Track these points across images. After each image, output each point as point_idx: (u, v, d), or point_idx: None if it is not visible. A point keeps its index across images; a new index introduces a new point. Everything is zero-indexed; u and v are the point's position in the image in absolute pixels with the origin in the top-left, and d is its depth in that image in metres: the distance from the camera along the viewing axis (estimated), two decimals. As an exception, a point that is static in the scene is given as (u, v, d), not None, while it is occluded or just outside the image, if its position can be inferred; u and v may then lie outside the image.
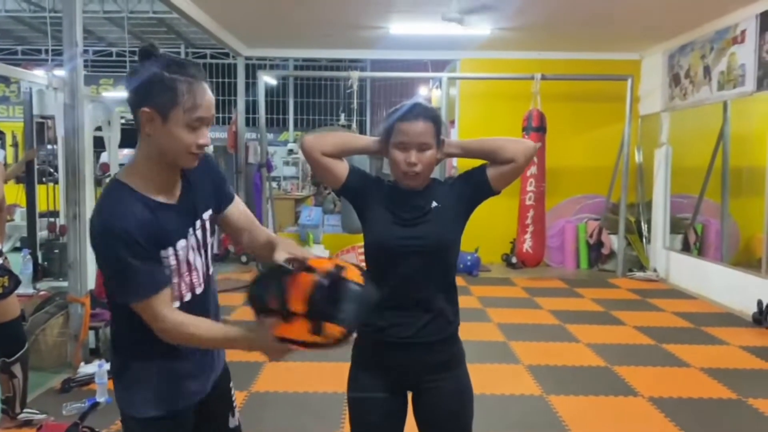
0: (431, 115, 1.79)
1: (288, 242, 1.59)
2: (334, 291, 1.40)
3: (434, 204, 1.82)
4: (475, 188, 1.87)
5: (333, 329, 1.38)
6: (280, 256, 1.50)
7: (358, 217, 1.91)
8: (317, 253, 8.51)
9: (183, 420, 1.63)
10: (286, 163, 12.97)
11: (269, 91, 10.79)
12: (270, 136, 11.98)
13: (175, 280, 1.54)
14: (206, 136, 1.51)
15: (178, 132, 1.46)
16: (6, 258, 3.46)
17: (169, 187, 1.56)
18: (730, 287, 6.37)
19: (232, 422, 1.81)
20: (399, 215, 1.82)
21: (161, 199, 1.53)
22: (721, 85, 6.58)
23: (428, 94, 12.15)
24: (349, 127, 9.39)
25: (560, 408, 3.70)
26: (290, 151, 13.11)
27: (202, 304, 1.63)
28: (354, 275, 1.46)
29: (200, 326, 1.51)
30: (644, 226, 8.24)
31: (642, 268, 8.01)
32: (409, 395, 1.91)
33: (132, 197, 1.48)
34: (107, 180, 7.30)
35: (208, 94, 1.49)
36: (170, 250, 1.52)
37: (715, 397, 3.91)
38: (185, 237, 1.56)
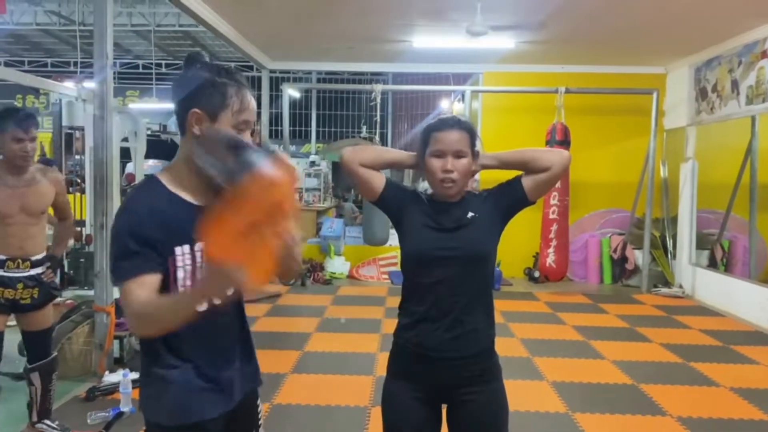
0: (466, 126, 1.86)
1: None
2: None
3: (471, 214, 1.85)
4: (510, 199, 1.89)
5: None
6: None
7: (395, 228, 1.94)
8: (338, 264, 8.52)
9: (205, 429, 1.60)
10: (308, 175, 12.99)
11: (292, 104, 10.88)
12: (292, 148, 12.04)
13: (189, 282, 1.53)
14: (249, 140, 1.56)
15: None
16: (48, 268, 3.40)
17: (202, 190, 1.56)
18: (758, 305, 6.23)
19: None
20: (436, 225, 1.85)
21: (189, 198, 1.56)
22: (749, 100, 6.49)
23: (450, 107, 12.14)
24: (371, 139, 9.42)
25: (586, 426, 3.64)
26: (312, 163, 13.14)
27: (226, 311, 1.60)
28: None
29: (160, 299, 1.45)
30: (669, 242, 8.12)
31: (667, 284, 7.89)
32: (444, 408, 1.91)
33: (159, 190, 1.54)
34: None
35: (252, 100, 1.57)
36: (186, 248, 1.51)
37: (746, 418, 3.82)
38: None
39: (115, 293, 4.69)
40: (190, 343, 1.57)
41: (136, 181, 6.83)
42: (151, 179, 1.58)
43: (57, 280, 6.32)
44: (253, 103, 1.58)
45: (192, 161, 1.53)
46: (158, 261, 1.49)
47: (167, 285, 1.51)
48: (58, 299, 5.95)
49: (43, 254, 3.35)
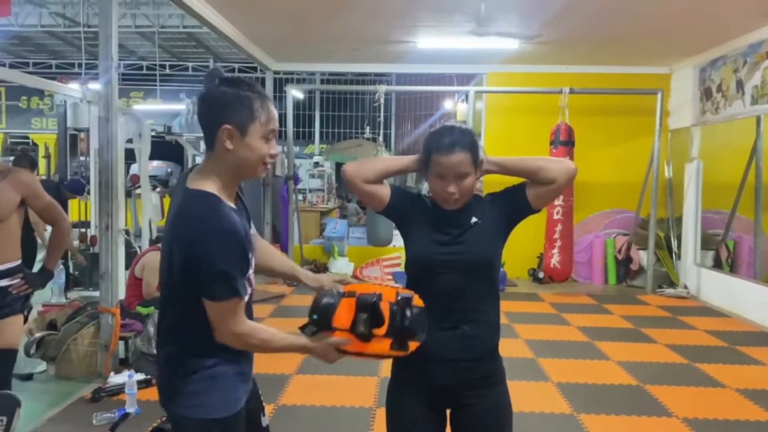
0: (467, 143, 1.79)
1: (310, 274, 1.87)
2: (406, 313, 1.65)
3: (474, 219, 1.84)
4: (515, 206, 1.88)
5: (413, 345, 1.68)
6: (324, 280, 1.80)
7: (400, 233, 1.94)
8: (342, 265, 8.52)
9: (241, 418, 1.70)
10: (312, 176, 13.01)
11: (296, 105, 10.89)
12: (296, 148, 12.06)
13: (249, 288, 1.67)
14: (276, 148, 1.67)
15: (256, 144, 1.60)
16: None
17: (233, 200, 1.68)
18: (763, 305, 6.21)
19: (264, 421, 1.87)
20: (440, 231, 1.84)
21: (234, 207, 1.66)
22: (754, 100, 6.47)
23: (453, 108, 12.13)
24: (374, 140, 9.42)
25: (591, 427, 3.63)
26: (316, 164, 13.16)
27: (249, 314, 1.71)
28: (417, 301, 1.70)
29: (272, 332, 1.64)
30: (674, 242, 8.10)
31: (672, 284, 7.87)
32: (448, 412, 1.90)
33: (225, 206, 1.59)
34: (137, 192, 7.40)
35: (275, 109, 1.65)
36: (251, 254, 1.66)
37: (752, 420, 3.80)
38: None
39: (120, 294, 4.70)
40: None
41: (141, 182, 6.84)
42: (211, 196, 1.59)
43: (62, 283, 6.31)
44: (276, 112, 1.66)
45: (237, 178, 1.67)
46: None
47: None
48: (63, 300, 5.97)
49: (12, 264, 2.88)
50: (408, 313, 1.64)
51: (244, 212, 1.72)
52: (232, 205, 1.64)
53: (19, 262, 2.93)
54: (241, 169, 1.63)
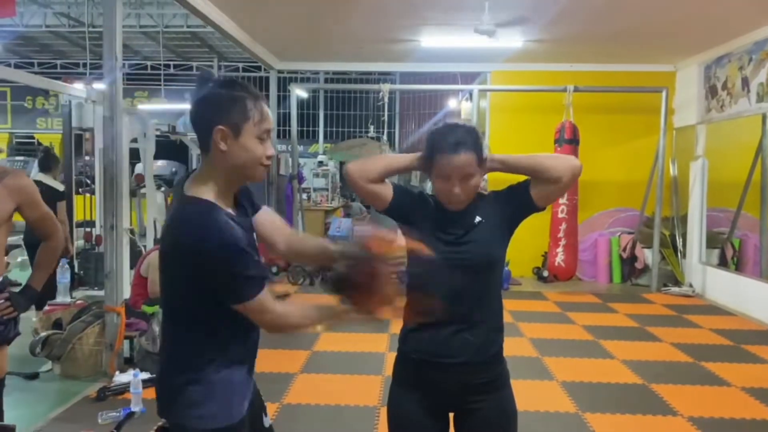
0: (472, 142, 1.76)
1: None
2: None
3: (478, 219, 1.81)
4: (518, 205, 1.85)
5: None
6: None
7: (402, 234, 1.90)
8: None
9: (244, 425, 1.67)
10: (316, 175, 13.04)
11: (300, 104, 10.90)
12: (300, 148, 12.07)
13: None
14: (272, 148, 1.63)
15: (251, 144, 1.57)
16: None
17: (231, 203, 1.65)
18: (770, 304, 6.19)
19: (267, 421, 1.84)
20: (443, 231, 1.81)
21: (235, 215, 1.62)
22: (760, 97, 6.44)
23: (457, 106, 12.12)
24: (378, 139, 9.43)
25: (597, 426, 3.62)
26: (320, 163, 13.18)
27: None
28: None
29: (303, 312, 1.61)
30: (679, 240, 8.07)
31: (677, 283, 7.84)
32: (451, 416, 1.88)
33: (222, 213, 1.55)
34: (142, 191, 7.41)
35: (268, 109, 1.62)
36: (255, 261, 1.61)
37: (758, 419, 3.79)
38: None
39: (125, 293, 4.71)
40: (242, 345, 1.65)
41: (145, 182, 6.85)
42: (209, 205, 1.55)
43: (67, 282, 6.31)
44: (270, 112, 1.62)
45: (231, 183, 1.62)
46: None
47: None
48: (68, 300, 5.98)
49: None
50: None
51: (246, 218, 1.68)
52: (230, 210, 1.61)
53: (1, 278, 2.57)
54: (237, 172, 1.59)
